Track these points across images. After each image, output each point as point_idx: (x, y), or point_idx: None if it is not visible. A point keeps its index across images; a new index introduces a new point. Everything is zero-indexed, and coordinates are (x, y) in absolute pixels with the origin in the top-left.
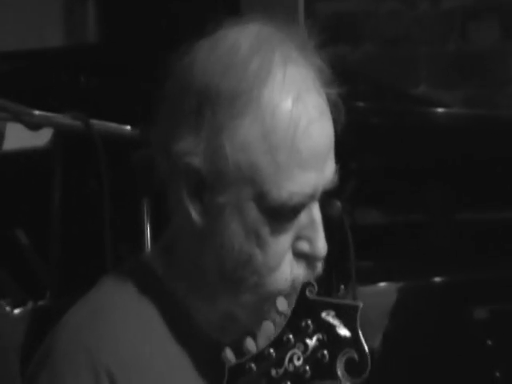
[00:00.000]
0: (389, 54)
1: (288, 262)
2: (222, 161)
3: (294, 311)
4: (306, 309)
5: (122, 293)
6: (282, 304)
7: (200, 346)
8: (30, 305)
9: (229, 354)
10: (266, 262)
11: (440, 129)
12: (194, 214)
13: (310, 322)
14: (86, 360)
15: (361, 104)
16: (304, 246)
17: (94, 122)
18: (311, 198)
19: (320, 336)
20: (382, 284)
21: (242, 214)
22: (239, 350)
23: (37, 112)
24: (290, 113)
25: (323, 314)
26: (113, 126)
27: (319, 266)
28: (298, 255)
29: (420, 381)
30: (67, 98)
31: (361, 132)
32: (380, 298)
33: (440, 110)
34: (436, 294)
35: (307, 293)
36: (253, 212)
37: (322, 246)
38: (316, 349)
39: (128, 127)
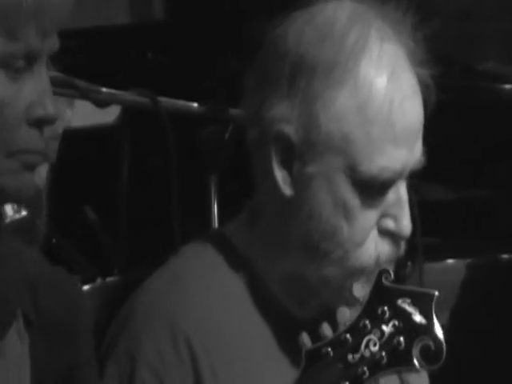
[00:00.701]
0: (457, 30)
1: (373, 239)
2: (315, 130)
3: (371, 298)
4: (382, 295)
5: (201, 262)
6: (359, 290)
7: (277, 320)
8: (98, 281)
9: (305, 338)
10: (351, 236)
11: (507, 104)
12: (282, 184)
13: (386, 308)
14: (165, 326)
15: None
16: (389, 224)
17: (162, 98)
18: (400, 175)
19: (396, 322)
20: (450, 261)
21: (332, 185)
22: (315, 335)
23: (104, 89)
24: (385, 87)
25: (399, 301)
26: (180, 102)
27: (403, 245)
28: (383, 232)
29: (488, 359)
30: (134, 75)
31: (427, 108)
32: (447, 275)
33: (508, 86)
34: (504, 270)
35: (383, 280)
36: (342, 184)
37: (407, 224)
38: (392, 335)
39: (195, 104)
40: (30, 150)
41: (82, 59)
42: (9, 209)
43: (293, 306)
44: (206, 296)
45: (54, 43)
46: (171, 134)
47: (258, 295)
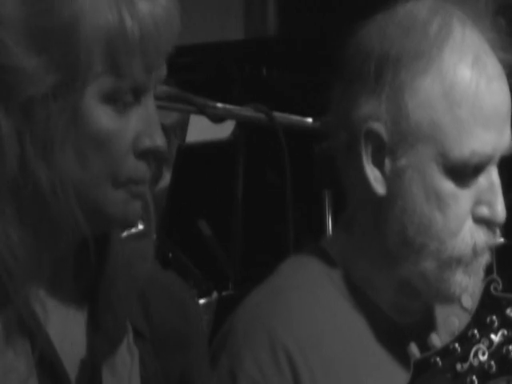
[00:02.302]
0: None
1: (468, 227)
2: (404, 121)
3: (479, 307)
4: (490, 305)
5: (300, 276)
6: (467, 300)
7: (379, 328)
8: (214, 295)
9: (414, 348)
10: (446, 226)
11: None
12: (375, 182)
13: (494, 317)
14: (265, 340)
15: None
16: (484, 211)
17: (276, 114)
18: (491, 159)
19: (505, 332)
20: None
21: (424, 176)
22: (423, 345)
23: (220, 104)
24: (470, 71)
25: (508, 311)
26: (294, 118)
27: (498, 232)
28: (478, 220)
29: None
30: (249, 91)
31: None
32: None
33: None
34: None
35: (492, 289)
36: (434, 173)
37: (501, 210)
38: (501, 344)
39: (309, 119)
40: (138, 181)
41: (198, 75)
42: None
43: (393, 313)
44: (305, 309)
45: (161, 74)
46: (286, 149)
47: (358, 304)
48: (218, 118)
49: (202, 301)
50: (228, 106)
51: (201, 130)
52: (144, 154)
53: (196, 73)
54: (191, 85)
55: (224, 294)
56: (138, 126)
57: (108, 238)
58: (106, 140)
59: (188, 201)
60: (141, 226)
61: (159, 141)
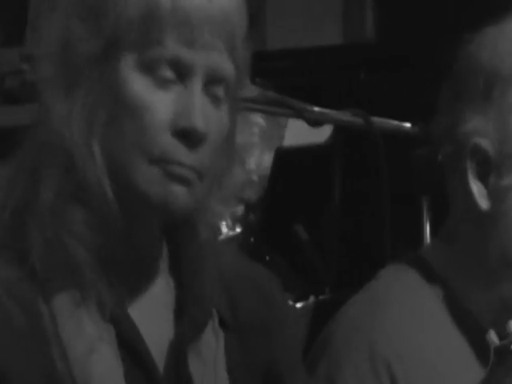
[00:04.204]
0: None
1: None
2: (510, 142)
3: None
4: None
5: (399, 287)
6: None
7: (477, 340)
8: (311, 299)
9: (493, 335)
10: None
11: None
12: (478, 196)
13: None
14: (366, 351)
15: None
16: None
17: (374, 118)
18: None
19: None
20: None
21: None
22: (502, 333)
23: (318, 109)
24: None
25: None
26: (393, 123)
27: None
28: None
29: None
30: (347, 95)
31: None
32: None
33: None
34: None
35: None
36: None
37: None
38: None
39: (408, 124)
40: (174, 161)
41: (296, 79)
42: (224, 226)
43: (489, 324)
44: (406, 320)
45: (210, 59)
46: (383, 154)
47: (458, 319)
48: (315, 122)
49: (298, 305)
50: (326, 111)
51: (298, 133)
52: (180, 134)
53: (294, 77)
54: (289, 89)
55: (321, 298)
56: (178, 105)
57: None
58: (141, 110)
59: (285, 205)
60: (238, 230)
61: (198, 123)
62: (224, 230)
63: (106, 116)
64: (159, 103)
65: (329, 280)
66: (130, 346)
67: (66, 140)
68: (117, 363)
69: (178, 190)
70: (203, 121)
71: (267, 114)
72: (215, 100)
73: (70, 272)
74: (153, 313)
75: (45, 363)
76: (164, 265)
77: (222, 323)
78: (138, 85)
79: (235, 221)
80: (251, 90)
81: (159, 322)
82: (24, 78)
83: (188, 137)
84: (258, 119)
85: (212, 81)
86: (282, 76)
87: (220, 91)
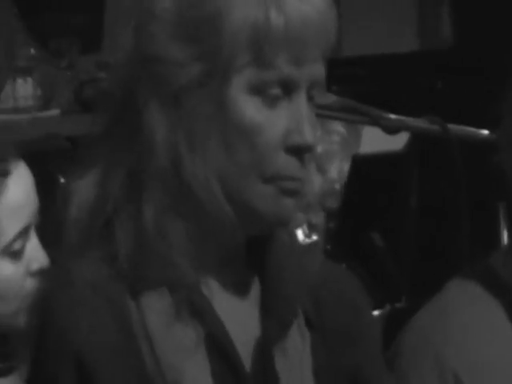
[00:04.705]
0: None
1: None
2: None
3: None
4: None
5: (468, 296)
6: None
7: None
8: (387, 307)
9: None
10: None
11: None
12: None
13: None
14: (433, 363)
15: None
16: None
17: (451, 125)
18: None
19: None
20: None
21: None
22: None
23: (394, 116)
24: None
25: None
26: (469, 130)
27: None
28: None
29: None
30: (423, 102)
31: None
32: None
33: None
34: None
35: None
36: None
37: None
38: None
39: (485, 131)
40: (287, 177)
41: (372, 86)
42: (300, 233)
43: None
44: (475, 333)
45: (314, 72)
46: (460, 161)
47: None
48: (391, 130)
49: (375, 312)
50: (402, 118)
51: (374, 141)
52: (293, 150)
53: (370, 84)
54: (365, 96)
55: (397, 305)
56: (288, 121)
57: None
58: (253, 132)
59: (361, 212)
60: (315, 237)
61: (309, 138)
62: (301, 237)
63: (216, 139)
64: (270, 122)
65: (405, 288)
66: (218, 345)
67: (174, 164)
68: (205, 361)
69: (290, 204)
70: (312, 134)
71: (343, 121)
72: (311, 103)
73: (160, 272)
74: (239, 312)
75: (134, 361)
76: (249, 265)
77: (308, 323)
78: (248, 106)
79: (312, 228)
80: (327, 97)
81: (245, 321)
82: (100, 86)
83: (300, 152)
84: (339, 127)
85: (311, 87)
86: (358, 83)
87: (313, 92)
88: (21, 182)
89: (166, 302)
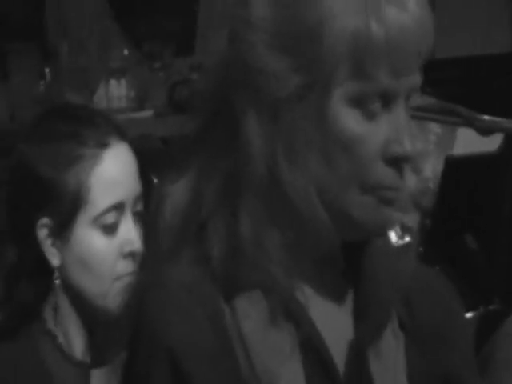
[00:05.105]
0: None
1: None
2: None
3: None
4: None
5: None
6: None
7: None
8: (480, 309)
9: None
10: None
11: None
12: None
13: None
14: None
15: None
16: None
17: None
18: None
19: None
20: None
21: None
22: None
23: (487, 117)
24: None
25: None
26: None
27: None
28: None
29: None
30: None
31: None
32: None
33: None
34: None
35: None
36: None
37: None
38: None
39: None
40: (386, 187)
41: (466, 87)
42: (393, 235)
43: None
44: None
45: (413, 81)
46: None
47: None
48: (486, 131)
49: (468, 314)
50: (496, 119)
51: (468, 142)
52: (393, 161)
53: (464, 85)
54: (459, 97)
55: (490, 308)
56: (388, 132)
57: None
58: (353, 144)
59: (454, 213)
60: (407, 239)
61: (409, 148)
62: (394, 239)
63: (315, 150)
64: (370, 134)
65: (498, 290)
66: (312, 350)
67: (271, 173)
68: (299, 366)
69: (388, 213)
70: (412, 144)
71: (438, 122)
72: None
73: (254, 277)
74: (333, 316)
75: (228, 363)
76: (342, 269)
77: (401, 326)
78: (349, 119)
79: (405, 230)
80: (422, 99)
81: (339, 325)
82: (193, 88)
83: (399, 162)
84: (435, 127)
85: (409, 96)
86: (452, 84)
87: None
88: (118, 158)
89: (260, 305)
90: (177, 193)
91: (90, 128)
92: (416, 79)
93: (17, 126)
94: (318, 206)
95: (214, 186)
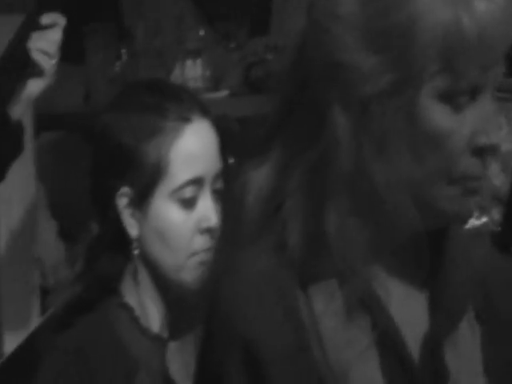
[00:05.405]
0: None
1: None
2: None
3: None
4: None
5: None
6: None
7: None
8: None
9: None
10: None
11: None
12: None
13: None
14: None
15: None
16: None
17: None
18: None
19: None
20: None
21: None
22: None
23: None
24: None
25: None
26: None
27: None
28: None
29: None
30: None
31: None
32: None
33: None
34: None
35: None
36: None
37: None
38: None
39: None
40: (472, 177)
41: None
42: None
43: None
44: None
45: (500, 72)
46: None
47: None
48: None
49: None
50: None
51: None
52: (479, 151)
53: None
54: None
55: None
56: (474, 123)
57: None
58: (442, 138)
59: None
60: (484, 219)
61: (494, 139)
62: (471, 220)
63: (404, 145)
64: (457, 126)
65: None
66: (388, 340)
67: (358, 167)
68: (374, 355)
69: (472, 202)
70: (497, 134)
71: None
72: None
73: (332, 266)
74: (409, 307)
75: (302, 352)
76: (419, 260)
77: (478, 316)
78: (438, 113)
79: (482, 210)
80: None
81: (415, 315)
82: (269, 68)
83: (485, 152)
84: None
85: (495, 86)
86: None
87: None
88: (199, 134)
89: (336, 294)
90: (260, 178)
91: (173, 102)
92: (502, 69)
93: (91, 108)
94: (406, 198)
95: (297, 175)
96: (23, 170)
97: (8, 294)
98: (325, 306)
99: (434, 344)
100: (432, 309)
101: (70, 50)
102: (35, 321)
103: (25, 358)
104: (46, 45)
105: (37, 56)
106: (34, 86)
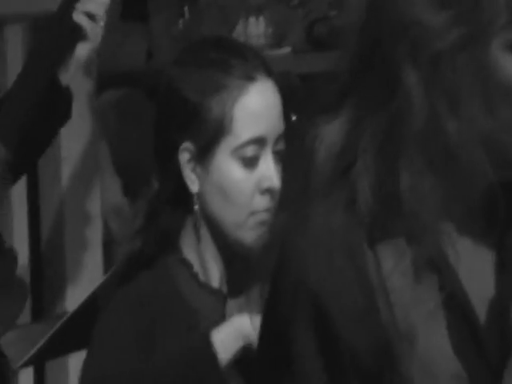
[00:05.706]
0: None
1: None
2: None
3: None
4: None
5: None
6: None
7: None
8: None
9: None
10: None
11: None
12: None
13: None
14: None
15: None
16: None
17: None
18: None
19: None
20: None
21: None
22: None
23: None
24: None
25: None
26: None
27: None
28: None
29: None
30: None
31: None
32: None
33: None
34: None
35: None
36: None
37: None
38: None
39: None
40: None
41: None
42: None
43: None
44: None
45: None
46: None
47: None
48: None
49: None
50: None
51: None
52: None
53: None
54: None
55: None
56: None
57: None
58: None
59: None
60: None
61: None
62: None
63: (478, 99)
64: None
65: None
66: (453, 297)
67: (432, 125)
68: (440, 313)
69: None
70: None
71: None
72: None
73: (402, 225)
74: (476, 267)
75: (370, 310)
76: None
77: None
78: (508, 65)
79: None
80: None
81: (482, 276)
82: (332, 25)
83: None
84: None
85: None
86: None
87: None
88: (263, 94)
89: (404, 254)
90: (331, 134)
91: (239, 60)
92: None
93: (154, 65)
94: (480, 153)
95: (369, 133)
96: (87, 128)
97: (72, 250)
98: (393, 265)
99: (501, 307)
100: (500, 271)
101: (134, 9)
102: (99, 277)
103: (89, 315)
104: (93, 7)
105: (80, 19)
106: (82, 50)
